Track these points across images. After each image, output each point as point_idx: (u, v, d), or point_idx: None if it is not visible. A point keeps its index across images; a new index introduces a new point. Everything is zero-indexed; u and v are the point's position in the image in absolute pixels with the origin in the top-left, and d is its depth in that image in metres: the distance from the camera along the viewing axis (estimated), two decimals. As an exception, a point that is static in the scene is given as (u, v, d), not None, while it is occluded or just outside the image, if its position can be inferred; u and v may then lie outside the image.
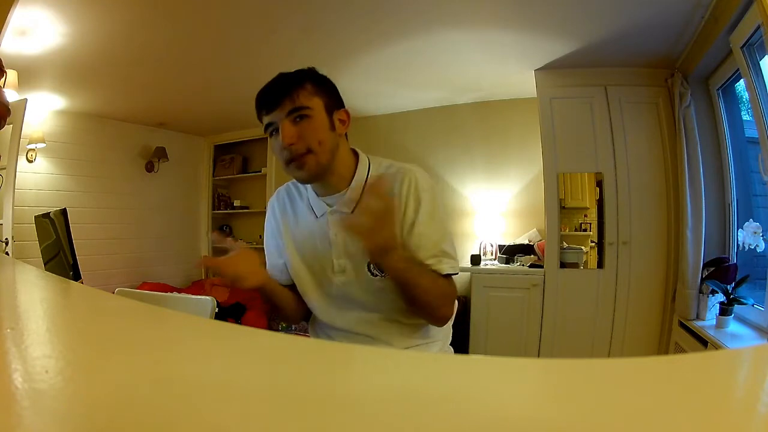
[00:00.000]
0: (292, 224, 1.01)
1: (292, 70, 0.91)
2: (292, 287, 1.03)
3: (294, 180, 0.98)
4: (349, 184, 0.93)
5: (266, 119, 0.88)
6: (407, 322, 0.95)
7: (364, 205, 0.80)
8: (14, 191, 3.04)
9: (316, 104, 0.87)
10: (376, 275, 0.91)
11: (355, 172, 0.94)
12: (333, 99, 0.91)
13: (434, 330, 0.98)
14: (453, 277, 0.92)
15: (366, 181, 0.93)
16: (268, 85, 0.90)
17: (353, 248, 0.91)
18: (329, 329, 1.00)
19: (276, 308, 1.01)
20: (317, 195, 0.96)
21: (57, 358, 0.39)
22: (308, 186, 0.98)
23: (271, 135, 0.89)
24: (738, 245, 2.16)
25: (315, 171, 0.88)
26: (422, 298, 0.86)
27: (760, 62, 1.81)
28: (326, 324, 1.00)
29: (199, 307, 1.07)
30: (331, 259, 0.94)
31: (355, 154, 0.97)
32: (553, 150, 2.80)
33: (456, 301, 0.95)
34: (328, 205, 0.94)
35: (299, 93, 0.86)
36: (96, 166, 3.93)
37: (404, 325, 0.95)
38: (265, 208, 1.08)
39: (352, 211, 0.90)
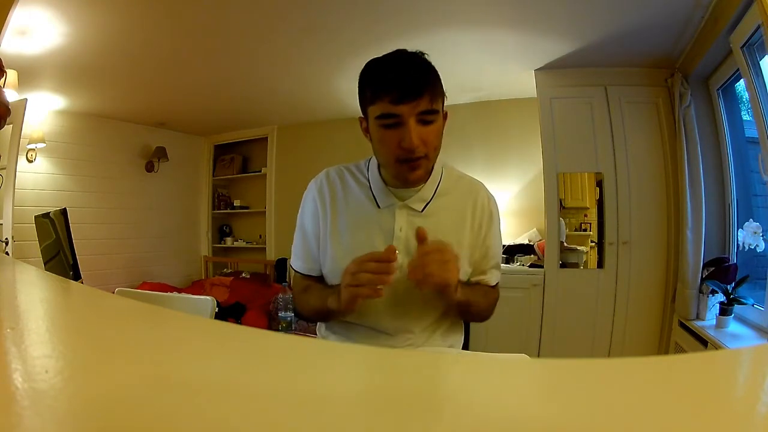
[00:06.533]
0: (341, 211, 0.93)
1: (412, 53, 0.83)
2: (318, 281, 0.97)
3: (346, 166, 0.97)
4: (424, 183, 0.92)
5: (391, 109, 0.78)
6: (440, 328, 0.94)
7: (426, 257, 0.77)
8: (14, 191, 3.04)
9: (440, 107, 0.83)
10: None
11: (431, 172, 0.93)
12: (443, 99, 0.85)
13: (456, 340, 1.00)
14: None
15: (439, 184, 0.93)
16: (405, 67, 0.80)
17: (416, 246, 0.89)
18: (348, 327, 0.94)
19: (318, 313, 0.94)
20: (386, 185, 0.91)
21: (57, 358, 0.39)
22: (374, 174, 0.92)
23: (385, 126, 0.80)
24: (738, 245, 2.16)
25: (424, 175, 0.88)
26: (476, 312, 0.94)
27: (760, 62, 1.81)
28: (350, 321, 0.93)
29: (199, 307, 1.07)
30: None
31: None
32: (553, 150, 2.80)
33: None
34: (397, 198, 0.90)
35: (435, 92, 0.80)
36: (96, 166, 3.93)
37: (437, 330, 0.94)
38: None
39: (422, 210, 0.90)
